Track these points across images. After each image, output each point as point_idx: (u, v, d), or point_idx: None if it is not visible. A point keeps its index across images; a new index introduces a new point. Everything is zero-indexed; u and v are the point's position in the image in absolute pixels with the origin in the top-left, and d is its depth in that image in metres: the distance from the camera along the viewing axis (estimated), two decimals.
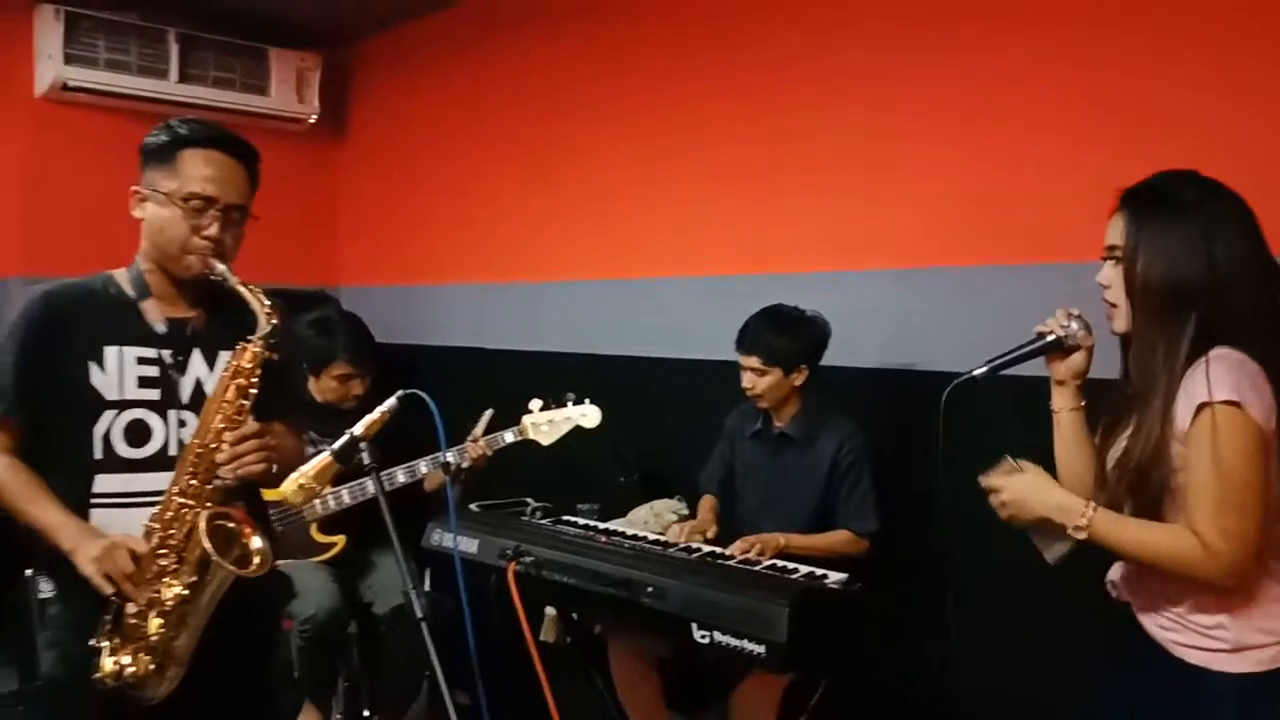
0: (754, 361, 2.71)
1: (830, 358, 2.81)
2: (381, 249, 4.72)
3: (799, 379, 2.73)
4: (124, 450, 1.83)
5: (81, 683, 1.73)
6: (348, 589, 3.19)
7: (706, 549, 2.58)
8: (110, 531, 1.77)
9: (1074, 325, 1.73)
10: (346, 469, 1.82)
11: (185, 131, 1.85)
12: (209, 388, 1.87)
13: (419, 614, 1.64)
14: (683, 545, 2.63)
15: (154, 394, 1.85)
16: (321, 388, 3.38)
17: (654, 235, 3.55)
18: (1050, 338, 1.74)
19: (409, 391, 1.74)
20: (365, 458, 1.73)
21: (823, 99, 3.04)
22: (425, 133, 4.46)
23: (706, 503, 2.94)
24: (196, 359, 1.89)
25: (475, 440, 3.05)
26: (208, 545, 1.68)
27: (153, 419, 1.85)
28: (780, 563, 2.45)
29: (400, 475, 3.08)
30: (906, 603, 2.71)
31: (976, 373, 1.76)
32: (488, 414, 3.14)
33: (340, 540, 3.23)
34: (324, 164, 4.85)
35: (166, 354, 1.86)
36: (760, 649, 2.11)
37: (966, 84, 2.73)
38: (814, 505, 2.71)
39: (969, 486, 1.73)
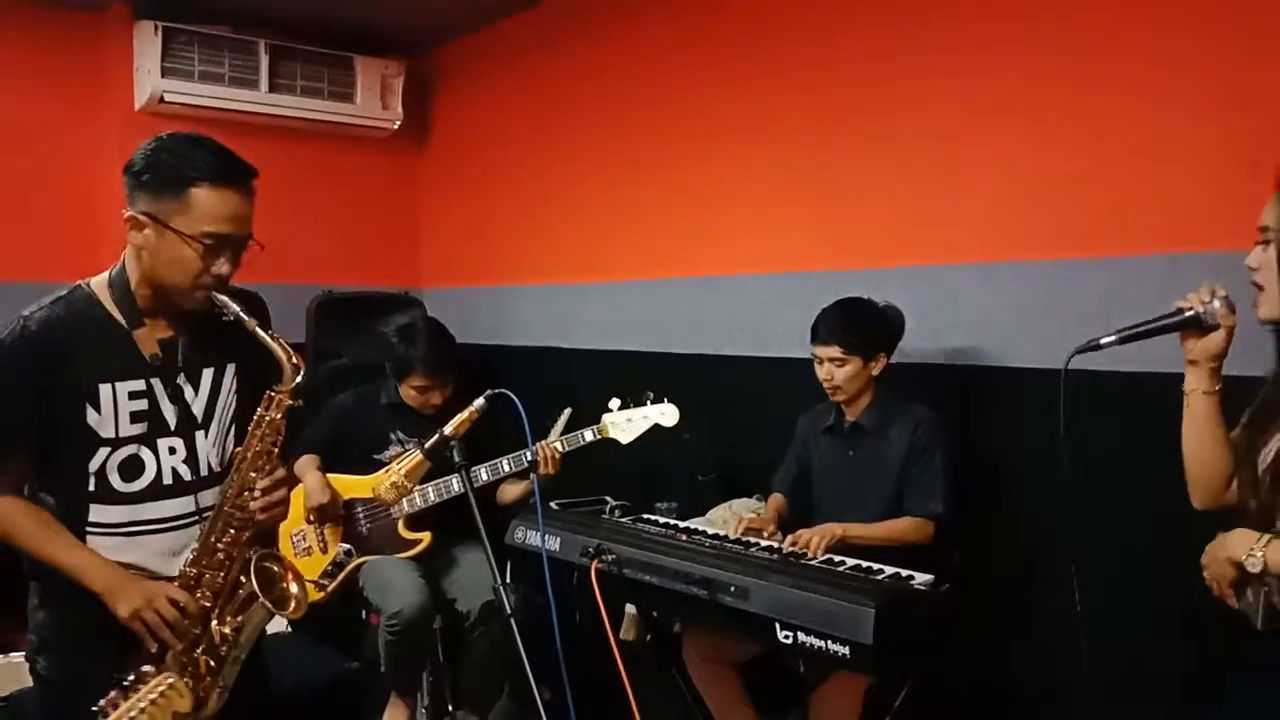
0: (834, 351, 2.69)
1: (911, 353, 2.77)
2: (463, 251, 4.80)
3: (877, 368, 2.72)
4: (119, 485, 1.84)
5: (80, 693, 1.70)
6: (432, 585, 3.25)
7: (788, 548, 2.57)
8: (118, 557, 1.81)
9: (1215, 303, 1.63)
10: (435, 466, 1.87)
11: (196, 168, 1.76)
12: (196, 409, 1.88)
13: (508, 610, 1.67)
14: (765, 545, 2.62)
15: (143, 427, 1.85)
16: (405, 394, 3.45)
17: (732, 233, 3.54)
18: (1188, 313, 1.65)
19: (497, 391, 1.78)
20: (455, 455, 1.77)
21: (902, 91, 3.00)
22: (504, 135, 4.52)
23: (773, 502, 2.94)
24: (182, 381, 1.88)
25: (549, 442, 3.09)
26: (255, 586, 1.76)
27: (145, 453, 1.86)
28: (864, 563, 2.43)
29: (484, 473, 3.13)
30: (988, 602, 2.66)
31: (1104, 341, 1.69)
32: (565, 413, 3.18)
33: (426, 537, 3.30)
34: (407, 169, 4.95)
35: (156, 382, 1.85)
36: (845, 650, 2.09)
37: (1051, 73, 2.66)
38: (890, 494, 2.67)
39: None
